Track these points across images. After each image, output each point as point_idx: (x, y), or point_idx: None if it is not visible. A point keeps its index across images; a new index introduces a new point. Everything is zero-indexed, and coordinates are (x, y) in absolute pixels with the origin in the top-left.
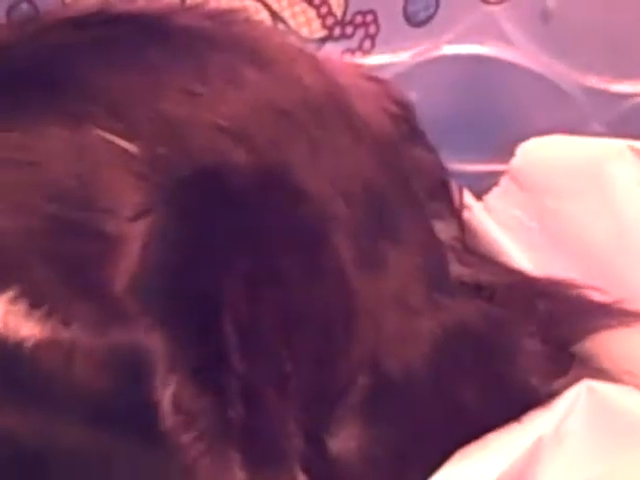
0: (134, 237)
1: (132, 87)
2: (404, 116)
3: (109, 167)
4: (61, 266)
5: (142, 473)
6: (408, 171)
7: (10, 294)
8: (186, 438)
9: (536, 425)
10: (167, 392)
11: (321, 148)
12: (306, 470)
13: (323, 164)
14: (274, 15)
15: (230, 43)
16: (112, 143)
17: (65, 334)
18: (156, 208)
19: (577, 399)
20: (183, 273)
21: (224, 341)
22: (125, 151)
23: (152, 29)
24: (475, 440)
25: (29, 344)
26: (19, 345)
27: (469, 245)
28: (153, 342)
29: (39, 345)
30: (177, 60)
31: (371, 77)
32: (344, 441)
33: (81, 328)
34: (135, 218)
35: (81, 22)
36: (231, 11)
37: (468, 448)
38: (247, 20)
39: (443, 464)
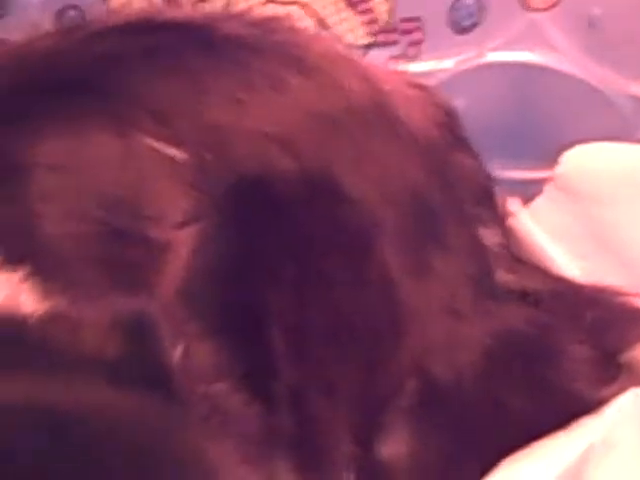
0: (181, 244)
1: (178, 95)
2: (448, 123)
3: (156, 174)
4: (108, 271)
5: (161, 428)
6: (453, 178)
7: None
8: (232, 442)
9: (585, 433)
10: (177, 351)
11: (366, 154)
12: (356, 475)
13: (369, 170)
14: (319, 22)
15: (274, 51)
16: (159, 150)
17: (69, 308)
18: (203, 215)
19: (626, 407)
20: (230, 280)
21: (272, 348)
22: (172, 158)
23: (197, 37)
24: (524, 447)
25: (34, 319)
26: (24, 320)
27: (514, 252)
28: (153, 307)
29: (44, 319)
30: (222, 68)
31: (415, 84)
32: (393, 446)
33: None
34: (182, 225)
35: (127, 30)
36: (275, 19)
37: (517, 455)
38: (291, 28)
39: (492, 471)
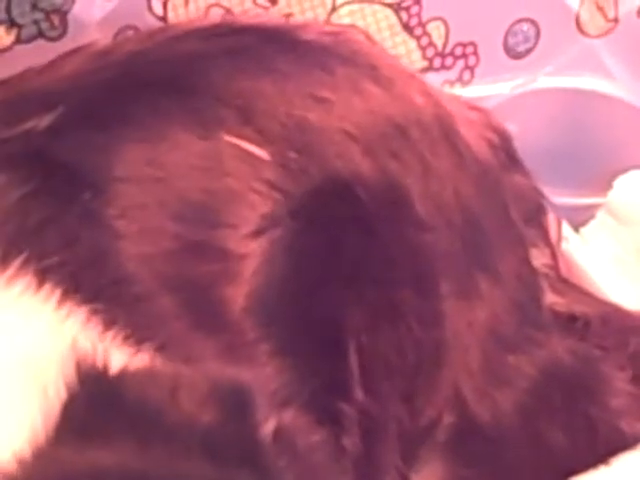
0: (258, 251)
1: (263, 93)
2: (503, 146)
3: (238, 176)
4: (183, 293)
5: None
6: (507, 198)
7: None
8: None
9: (624, 469)
10: (269, 426)
11: (430, 170)
12: None
13: (431, 187)
14: None
15: (351, 58)
16: (242, 149)
17: (166, 366)
18: (284, 219)
19: None
20: (307, 294)
21: (348, 367)
22: (255, 157)
23: (278, 39)
24: None
25: (130, 376)
26: (121, 377)
27: (564, 275)
28: (251, 376)
29: (142, 377)
30: (305, 68)
31: (474, 106)
32: (427, 479)
33: (181, 361)
34: (260, 231)
35: (208, 32)
36: (347, 31)
37: None
38: (363, 39)
39: None
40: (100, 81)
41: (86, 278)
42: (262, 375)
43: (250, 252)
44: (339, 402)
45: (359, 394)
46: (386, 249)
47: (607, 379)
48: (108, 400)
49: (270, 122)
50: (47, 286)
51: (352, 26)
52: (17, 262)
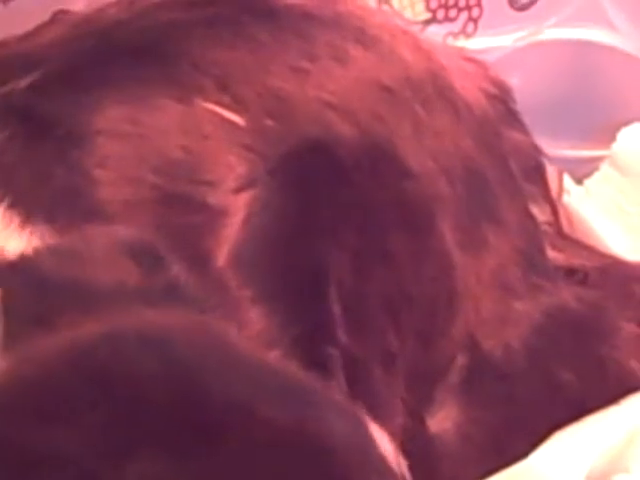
0: (237, 209)
1: (241, 63)
2: (501, 98)
3: (215, 139)
4: (164, 237)
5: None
6: (505, 152)
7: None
8: None
9: (635, 409)
10: (178, 267)
11: (423, 126)
12: (405, 446)
13: (425, 142)
14: None
15: (335, 21)
16: (219, 115)
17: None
18: (260, 180)
19: None
20: (287, 245)
21: (329, 312)
22: (232, 123)
23: (259, 7)
24: (573, 422)
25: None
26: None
27: (563, 229)
28: (145, 235)
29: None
30: (284, 38)
31: (470, 58)
32: (442, 421)
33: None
34: (239, 190)
35: (188, 1)
36: None
37: (566, 430)
38: None
39: (540, 445)
40: (81, 47)
41: (59, 210)
42: (244, 319)
43: (231, 208)
44: (324, 346)
45: (342, 337)
46: (368, 200)
47: (615, 322)
48: (36, 286)
49: (246, 91)
50: None
51: None
52: None
